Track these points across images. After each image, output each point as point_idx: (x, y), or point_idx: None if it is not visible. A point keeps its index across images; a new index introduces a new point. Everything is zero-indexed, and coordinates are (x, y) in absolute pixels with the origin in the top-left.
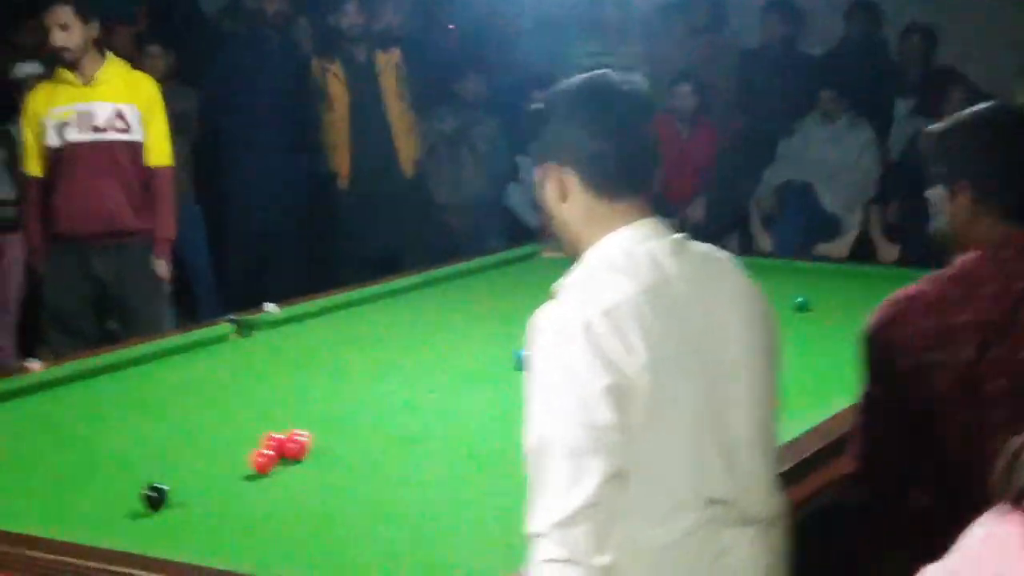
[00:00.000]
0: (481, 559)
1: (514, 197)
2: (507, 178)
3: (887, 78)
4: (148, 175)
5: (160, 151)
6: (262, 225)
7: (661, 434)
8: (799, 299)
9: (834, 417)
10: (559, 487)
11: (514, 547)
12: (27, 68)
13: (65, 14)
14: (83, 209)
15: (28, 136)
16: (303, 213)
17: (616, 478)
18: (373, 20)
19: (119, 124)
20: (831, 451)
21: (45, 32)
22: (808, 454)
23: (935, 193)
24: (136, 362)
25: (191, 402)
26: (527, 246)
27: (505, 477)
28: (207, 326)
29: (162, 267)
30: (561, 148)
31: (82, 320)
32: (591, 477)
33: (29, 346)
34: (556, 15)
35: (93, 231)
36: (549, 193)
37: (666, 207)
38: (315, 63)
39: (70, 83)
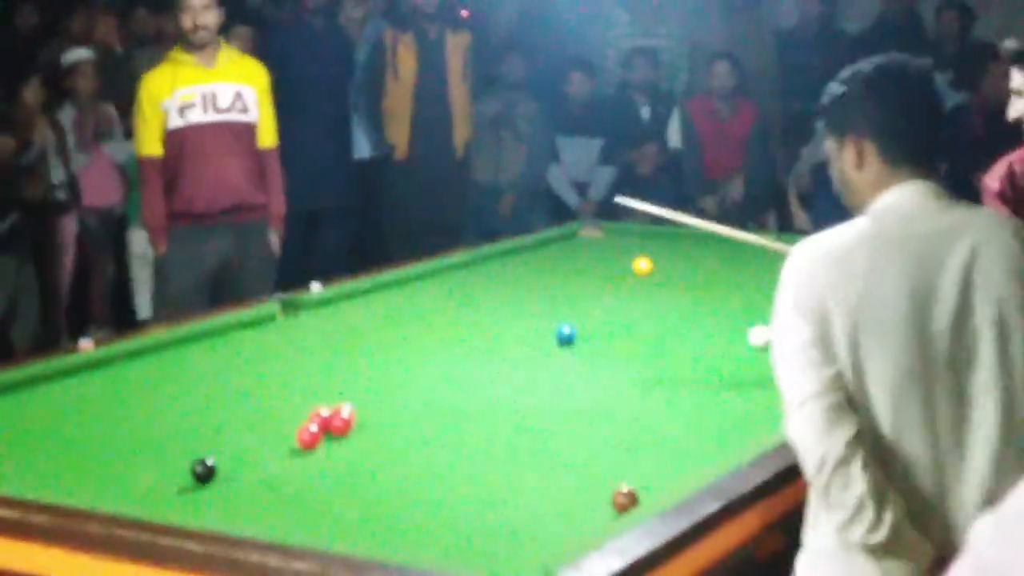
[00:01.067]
0: (527, 523)
1: (555, 177)
2: (548, 159)
3: (925, 53)
4: (259, 154)
5: (270, 132)
6: (309, 209)
7: (863, 383)
8: None
9: None
10: (784, 389)
11: (560, 512)
12: (76, 54)
13: None
14: (210, 187)
15: (148, 117)
16: (351, 198)
17: (827, 381)
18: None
19: (239, 105)
20: None
21: (180, 11)
22: None
23: None
24: (185, 341)
25: (239, 380)
26: (567, 225)
27: (548, 447)
28: (255, 305)
29: (276, 242)
30: (861, 122)
31: (197, 299)
32: (802, 382)
33: (78, 326)
34: None
35: (218, 208)
36: (845, 161)
37: (704, 184)
38: (387, 32)
39: (191, 65)
